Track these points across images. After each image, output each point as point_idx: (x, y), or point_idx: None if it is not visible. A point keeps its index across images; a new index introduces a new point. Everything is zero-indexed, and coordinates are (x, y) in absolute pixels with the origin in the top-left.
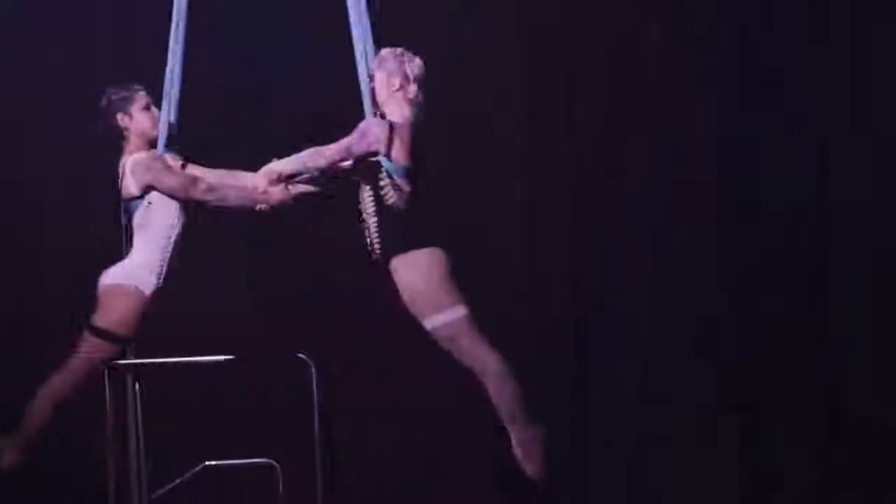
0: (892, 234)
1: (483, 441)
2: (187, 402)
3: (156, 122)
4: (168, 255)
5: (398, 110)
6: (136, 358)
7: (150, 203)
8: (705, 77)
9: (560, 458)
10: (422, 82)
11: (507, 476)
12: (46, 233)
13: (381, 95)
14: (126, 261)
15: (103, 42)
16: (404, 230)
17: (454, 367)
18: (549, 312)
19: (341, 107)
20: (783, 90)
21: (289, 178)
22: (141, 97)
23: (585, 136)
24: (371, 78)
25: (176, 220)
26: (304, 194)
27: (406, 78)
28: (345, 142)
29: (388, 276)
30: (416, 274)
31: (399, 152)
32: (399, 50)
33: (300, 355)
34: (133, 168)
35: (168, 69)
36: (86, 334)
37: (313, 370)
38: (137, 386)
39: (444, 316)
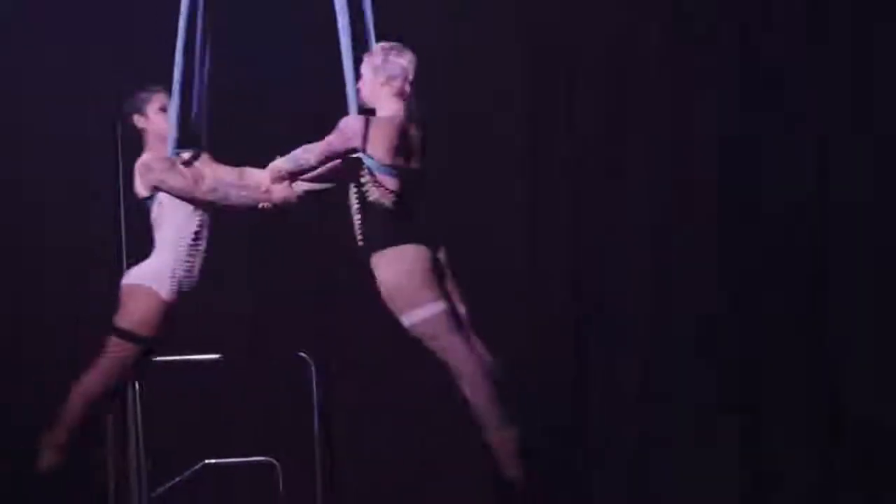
0: (892, 234)
1: (480, 440)
2: (187, 400)
3: None
4: (183, 254)
5: (385, 105)
6: None
7: (161, 203)
8: (705, 77)
9: (560, 458)
10: (409, 77)
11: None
12: (46, 233)
13: (368, 90)
14: (145, 261)
15: (103, 42)
16: (382, 226)
17: None
18: (549, 312)
19: (341, 107)
20: (783, 90)
21: (292, 177)
22: (158, 98)
23: (585, 136)
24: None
25: (190, 219)
26: (307, 192)
27: (392, 72)
28: (327, 139)
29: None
30: (395, 270)
31: (379, 148)
32: (389, 44)
33: (300, 354)
34: (139, 169)
35: (177, 70)
36: (112, 335)
37: (313, 369)
38: (137, 385)
39: (421, 311)
